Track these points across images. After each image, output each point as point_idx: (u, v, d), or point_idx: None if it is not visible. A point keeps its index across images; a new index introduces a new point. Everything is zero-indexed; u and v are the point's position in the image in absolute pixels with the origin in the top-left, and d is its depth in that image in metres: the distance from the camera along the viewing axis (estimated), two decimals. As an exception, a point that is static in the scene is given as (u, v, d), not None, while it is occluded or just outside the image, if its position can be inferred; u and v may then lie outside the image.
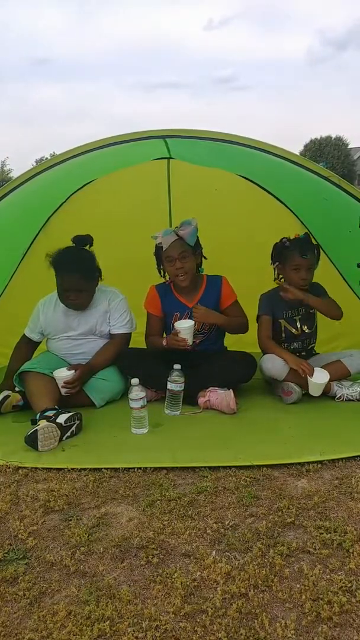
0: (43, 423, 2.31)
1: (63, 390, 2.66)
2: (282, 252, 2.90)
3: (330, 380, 2.81)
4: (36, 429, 2.27)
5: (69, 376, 2.65)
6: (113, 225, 3.56)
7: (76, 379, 2.67)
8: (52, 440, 2.30)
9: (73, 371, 2.68)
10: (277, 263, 2.93)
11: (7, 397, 2.71)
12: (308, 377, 2.69)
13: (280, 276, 2.97)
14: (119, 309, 2.93)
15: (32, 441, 2.26)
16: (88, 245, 2.88)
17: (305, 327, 2.96)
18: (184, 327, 2.78)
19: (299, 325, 2.96)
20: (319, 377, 2.69)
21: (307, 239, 2.91)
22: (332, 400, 2.77)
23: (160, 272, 3.02)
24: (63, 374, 2.66)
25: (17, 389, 2.78)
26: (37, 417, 2.41)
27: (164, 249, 2.84)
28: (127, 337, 2.97)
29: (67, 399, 2.67)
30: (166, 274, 3.01)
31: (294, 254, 2.84)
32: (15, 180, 2.82)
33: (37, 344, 3.05)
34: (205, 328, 2.97)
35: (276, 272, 2.97)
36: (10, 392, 2.75)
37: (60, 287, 2.83)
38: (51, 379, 2.66)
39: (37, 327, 2.98)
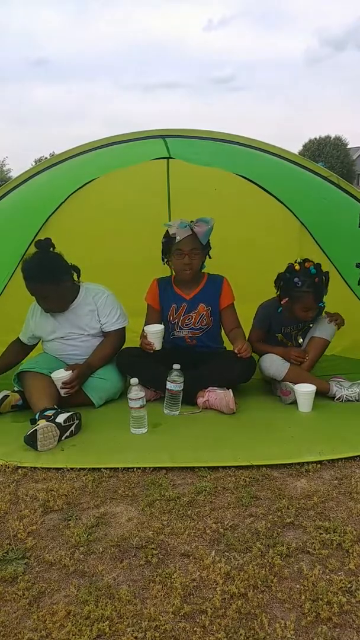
0: (42, 423, 2.31)
1: (62, 391, 2.66)
2: (292, 290, 2.77)
3: (318, 359, 2.86)
4: (35, 429, 2.26)
5: (66, 377, 2.65)
6: (112, 225, 3.56)
7: (74, 378, 2.66)
8: (52, 440, 2.30)
9: (70, 371, 2.67)
10: (286, 299, 2.81)
11: (6, 396, 2.71)
12: (294, 387, 2.68)
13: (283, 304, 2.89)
14: (107, 306, 2.89)
15: (31, 441, 2.26)
16: (51, 248, 2.81)
17: (302, 340, 2.97)
18: (152, 330, 2.79)
19: (294, 339, 2.97)
20: (304, 387, 2.67)
21: (320, 279, 2.76)
22: (331, 401, 2.77)
23: (164, 260, 3.01)
24: (60, 375, 2.66)
25: (15, 388, 2.78)
26: (36, 416, 2.41)
27: (176, 241, 2.84)
28: (121, 332, 2.96)
29: (66, 398, 2.67)
30: (169, 263, 3.00)
31: (308, 296, 2.74)
32: (15, 180, 2.82)
33: (31, 347, 3.04)
34: (203, 323, 2.98)
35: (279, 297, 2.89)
36: (10, 391, 2.75)
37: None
38: (50, 378, 2.66)
39: (29, 331, 2.97)
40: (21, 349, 3.01)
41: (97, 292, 2.91)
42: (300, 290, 2.75)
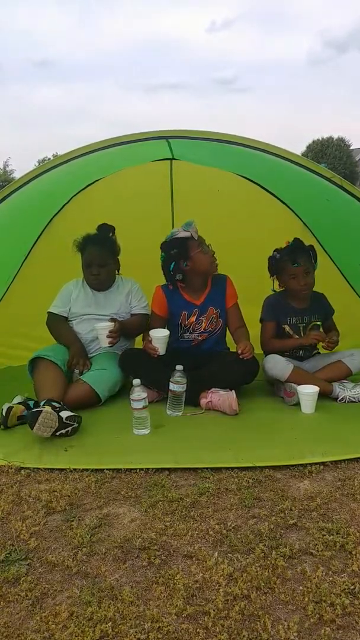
0: (48, 409, 2.32)
1: (107, 340, 2.81)
2: (277, 265, 2.94)
3: (332, 380, 2.82)
4: (41, 410, 2.28)
5: (112, 325, 2.83)
6: (115, 226, 3.56)
7: (119, 328, 2.85)
8: (48, 429, 2.30)
9: (114, 323, 2.85)
10: (275, 275, 2.98)
11: (10, 408, 2.65)
12: (297, 388, 2.67)
13: (283, 287, 2.99)
14: (139, 293, 3.17)
15: (31, 419, 2.28)
16: (111, 234, 3.13)
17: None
18: (157, 336, 2.80)
19: (302, 333, 2.97)
20: (307, 388, 2.67)
21: (297, 245, 2.92)
22: (334, 402, 2.77)
23: (174, 275, 2.92)
24: (107, 324, 2.84)
25: (18, 401, 2.72)
26: (42, 403, 2.43)
27: (196, 239, 2.88)
28: (146, 318, 3.11)
29: (70, 395, 2.67)
30: (175, 278, 2.95)
31: (287, 263, 2.89)
32: (18, 181, 2.82)
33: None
34: (212, 326, 2.98)
35: (275, 283, 3.00)
36: (12, 403, 2.66)
37: (85, 263, 3.04)
38: (61, 371, 2.74)
39: (66, 304, 3.10)
40: (64, 320, 3.12)
41: (131, 281, 3.21)
42: (281, 260, 2.91)
